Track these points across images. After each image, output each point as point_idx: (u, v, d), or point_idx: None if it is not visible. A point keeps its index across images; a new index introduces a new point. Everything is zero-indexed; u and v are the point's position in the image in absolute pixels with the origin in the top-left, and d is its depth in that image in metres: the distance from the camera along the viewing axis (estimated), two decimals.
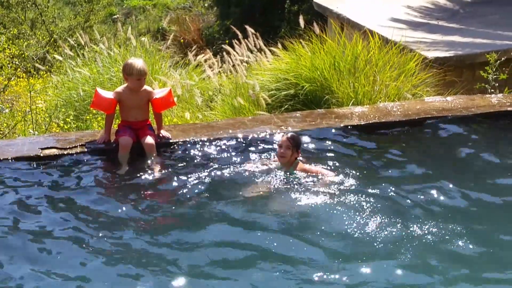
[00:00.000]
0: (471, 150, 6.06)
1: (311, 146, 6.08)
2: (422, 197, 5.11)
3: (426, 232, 4.57)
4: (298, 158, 5.54)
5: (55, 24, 19.33)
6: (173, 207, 5.21)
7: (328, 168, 5.58)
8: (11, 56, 10.49)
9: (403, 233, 4.56)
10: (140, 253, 4.46)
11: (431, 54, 8.94)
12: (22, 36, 15.56)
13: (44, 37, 17.10)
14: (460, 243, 4.43)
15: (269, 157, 5.85)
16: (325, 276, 4.11)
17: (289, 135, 5.56)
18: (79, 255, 4.44)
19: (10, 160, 5.75)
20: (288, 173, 5.45)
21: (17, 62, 10.23)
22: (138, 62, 5.94)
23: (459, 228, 4.61)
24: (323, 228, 4.66)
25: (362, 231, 4.58)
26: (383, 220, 4.70)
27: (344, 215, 4.80)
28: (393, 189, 5.19)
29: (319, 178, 5.39)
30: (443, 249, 4.40)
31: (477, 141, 6.29)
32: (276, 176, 5.45)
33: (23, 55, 10.84)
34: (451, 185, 5.27)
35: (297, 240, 4.52)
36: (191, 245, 4.53)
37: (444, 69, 8.59)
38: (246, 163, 5.73)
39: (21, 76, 10.84)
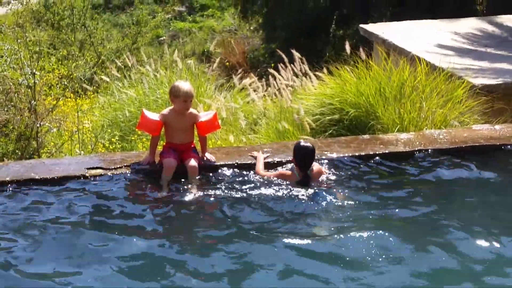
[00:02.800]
0: None
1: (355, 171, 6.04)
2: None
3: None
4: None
5: (103, 45, 19.73)
6: (212, 231, 5.20)
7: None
8: (60, 76, 10.70)
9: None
10: (175, 275, 4.47)
11: (479, 81, 8.80)
12: (71, 57, 15.88)
13: (92, 58, 17.43)
14: None
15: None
16: None
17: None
18: (114, 274, 4.50)
19: (56, 179, 5.83)
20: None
21: (65, 83, 10.43)
22: (185, 85, 6.00)
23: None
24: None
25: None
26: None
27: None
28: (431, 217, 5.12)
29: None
30: None
31: None
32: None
33: (72, 76, 11.05)
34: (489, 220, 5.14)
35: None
36: (223, 269, 4.52)
37: (492, 97, 8.45)
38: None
39: (69, 96, 11.05)
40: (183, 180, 5.90)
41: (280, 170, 5.97)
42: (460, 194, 5.65)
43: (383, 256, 4.58)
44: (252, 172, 6.02)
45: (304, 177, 5.73)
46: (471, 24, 13.18)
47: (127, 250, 4.80)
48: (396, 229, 4.97)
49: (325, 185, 5.75)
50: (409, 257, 4.60)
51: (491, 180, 5.95)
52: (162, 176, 5.90)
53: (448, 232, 4.92)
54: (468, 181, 5.91)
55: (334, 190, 5.67)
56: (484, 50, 11.38)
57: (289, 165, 6.01)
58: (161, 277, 4.44)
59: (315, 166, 5.81)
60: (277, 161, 6.17)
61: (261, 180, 5.89)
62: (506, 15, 13.82)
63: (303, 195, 5.58)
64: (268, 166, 6.08)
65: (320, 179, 5.79)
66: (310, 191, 5.61)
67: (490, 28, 12.92)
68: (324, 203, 5.44)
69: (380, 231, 4.87)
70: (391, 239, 4.79)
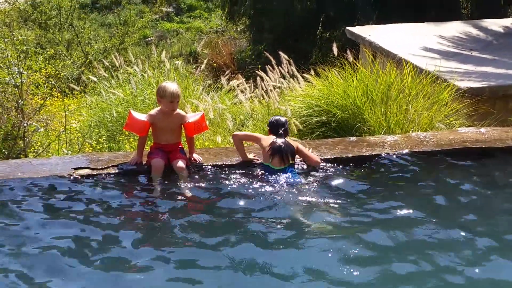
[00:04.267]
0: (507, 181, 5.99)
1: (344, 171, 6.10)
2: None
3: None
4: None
5: (90, 45, 19.70)
6: (202, 230, 5.21)
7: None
8: (47, 76, 10.68)
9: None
10: (163, 272, 4.48)
11: (464, 84, 8.89)
12: (58, 57, 15.84)
13: (80, 58, 17.42)
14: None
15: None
16: None
17: None
18: (99, 271, 4.49)
19: (43, 179, 5.83)
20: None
21: (53, 82, 10.41)
22: (171, 85, 6.02)
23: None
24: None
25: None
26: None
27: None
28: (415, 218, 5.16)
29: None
30: None
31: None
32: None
33: (59, 75, 11.03)
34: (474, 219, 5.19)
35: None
36: (214, 268, 4.54)
37: (477, 100, 8.54)
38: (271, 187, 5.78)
39: (56, 96, 11.03)
40: (171, 180, 5.92)
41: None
42: (443, 195, 5.68)
43: (356, 257, 4.62)
44: (239, 172, 6.06)
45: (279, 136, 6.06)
46: (456, 28, 13.31)
47: (115, 250, 4.80)
48: (376, 229, 4.99)
49: (312, 185, 5.80)
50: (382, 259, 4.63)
51: (476, 182, 6.02)
52: (151, 176, 5.92)
53: (430, 234, 4.94)
54: (452, 183, 5.96)
55: (320, 189, 5.72)
56: (470, 54, 11.50)
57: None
58: (150, 275, 4.45)
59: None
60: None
61: (249, 180, 5.93)
62: (490, 19, 13.97)
63: (290, 195, 5.63)
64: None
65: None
66: (297, 190, 5.68)
67: (475, 32, 13.05)
68: (309, 202, 5.49)
69: (358, 234, 4.90)
70: (368, 240, 4.81)
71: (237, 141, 6.22)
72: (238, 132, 6.30)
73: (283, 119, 6.30)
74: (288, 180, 5.86)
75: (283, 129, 6.15)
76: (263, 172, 6.03)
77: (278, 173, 5.91)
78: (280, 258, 4.60)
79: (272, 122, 6.28)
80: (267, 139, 6.09)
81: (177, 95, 5.99)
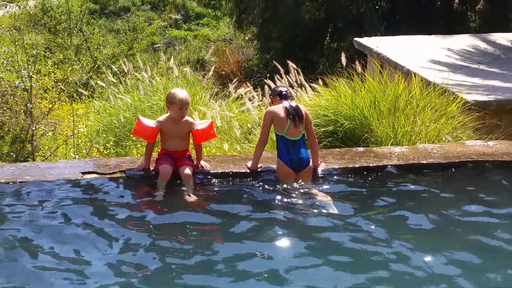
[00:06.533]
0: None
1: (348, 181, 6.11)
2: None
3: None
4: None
5: (99, 51, 19.79)
6: (207, 237, 5.23)
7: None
8: (55, 80, 10.73)
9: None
10: (164, 275, 4.50)
11: (472, 97, 8.89)
12: (67, 61, 15.90)
13: (88, 63, 17.50)
14: None
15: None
16: None
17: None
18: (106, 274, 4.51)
19: (51, 183, 5.86)
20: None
21: (61, 86, 10.46)
22: (181, 92, 6.05)
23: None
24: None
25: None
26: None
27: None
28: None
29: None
30: None
31: None
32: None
33: (67, 80, 11.09)
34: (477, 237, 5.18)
35: None
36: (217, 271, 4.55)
37: (484, 113, 8.54)
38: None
39: (65, 100, 11.08)
40: (178, 186, 5.94)
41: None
42: (449, 208, 5.68)
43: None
44: (246, 179, 6.08)
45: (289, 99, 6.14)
46: (464, 41, 13.32)
47: (121, 256, 4.81)
48: (381, 240, 5.01)
49: (318, 195, 5.81)
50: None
51: (483, 195, 6.00)
52: (157, 182, 5.93)
53: (434, 247, 4.95)
54: (458, 196, 5.96)
55: (328, 199, 5.73)
56: (477, 67, 11.50)
57: None
58: (157, 280, 4.47)
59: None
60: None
61: (256, 188, 5.95)
62: (499, 33, 13.98)
63: (298, 202, 5.65)
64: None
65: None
66: (306, 200, 5.69)
67: (483, 45, 13.06)
68: (317, 211, 5.51)
69: (362, 245, 4.92)
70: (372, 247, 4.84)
71: (263, 146, 6.21)
72: (259, 141, 6.26)
73: (284, 87, 6.40)
74: (296, 188, 5.88)
75: (288, 91, 6.23)
76: (270, 179, 6.05)
77: (286, 183, 5.94)
78: (286, 267, 4.61)
79: (275, 90, 6.40)
80: (278, 108, 6.10)
81: (186, 102, 6.02)
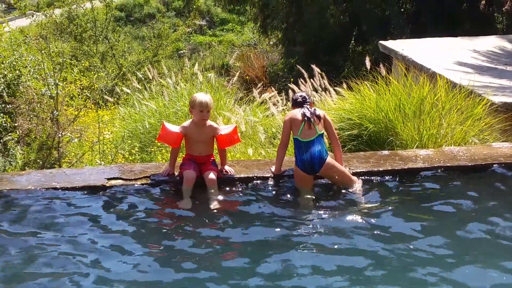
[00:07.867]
0: None
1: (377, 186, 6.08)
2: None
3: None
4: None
5: (124, 58, 19.94)
6: (231, 241, 5.23)
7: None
8: (81, 87, 10.84)
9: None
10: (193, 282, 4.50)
11: (498, 99, 8.77)
12: (93, 69, 16.06)
13: (114, 70, 17.66)
14: None
15: None
16: None
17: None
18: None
19: (77, 189, 5.92)
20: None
21: (87, 94, 10.57)
22: (202, 95, 6.07)
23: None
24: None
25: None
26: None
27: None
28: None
29: None
30: None
31: None
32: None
33: (93, 87, 11.20)
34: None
35: None
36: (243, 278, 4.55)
37: (511, 115, 8.42)
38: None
39: (90, 107, 11.18)
40: (203, 192, 5.95)
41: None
42: (477, 212, 5.62)
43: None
44: (270, 184, 6.07)
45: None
46: (491, 42, 13.17)
47: (146, 261, 4.84)
48: (403, 243, 4.97)
49: (342, 199, 5.79)
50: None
51: (511, 198, 5.93)
52: (182, 187, 5.94)
53: (459, 251, 4.91)
54: (485, 199, 5.88)
55: (350, 203, 5.71)
56: (504, 68, 11.35)
57: None
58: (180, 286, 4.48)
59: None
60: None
61: (279, 192, 5.94)
62: None
63: (321, 207, 5.62)
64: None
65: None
66: (328, 201, 5.69)
67: (510, 46, 12.90)
68: (339, 216, 5.51)
69: (386, 247, 4.90)
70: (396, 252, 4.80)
71: (284, 149, 6.22)
72: (280, 145, 6.28)
73: (304, 93, 6.42)
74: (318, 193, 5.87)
75: (307, 100, 6.25)
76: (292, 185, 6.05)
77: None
78: (314, 272, 4.60)
79: (292, 98, 6.54)
80: (296, 111, 6.14)
81: (205, 105, 6.02)
